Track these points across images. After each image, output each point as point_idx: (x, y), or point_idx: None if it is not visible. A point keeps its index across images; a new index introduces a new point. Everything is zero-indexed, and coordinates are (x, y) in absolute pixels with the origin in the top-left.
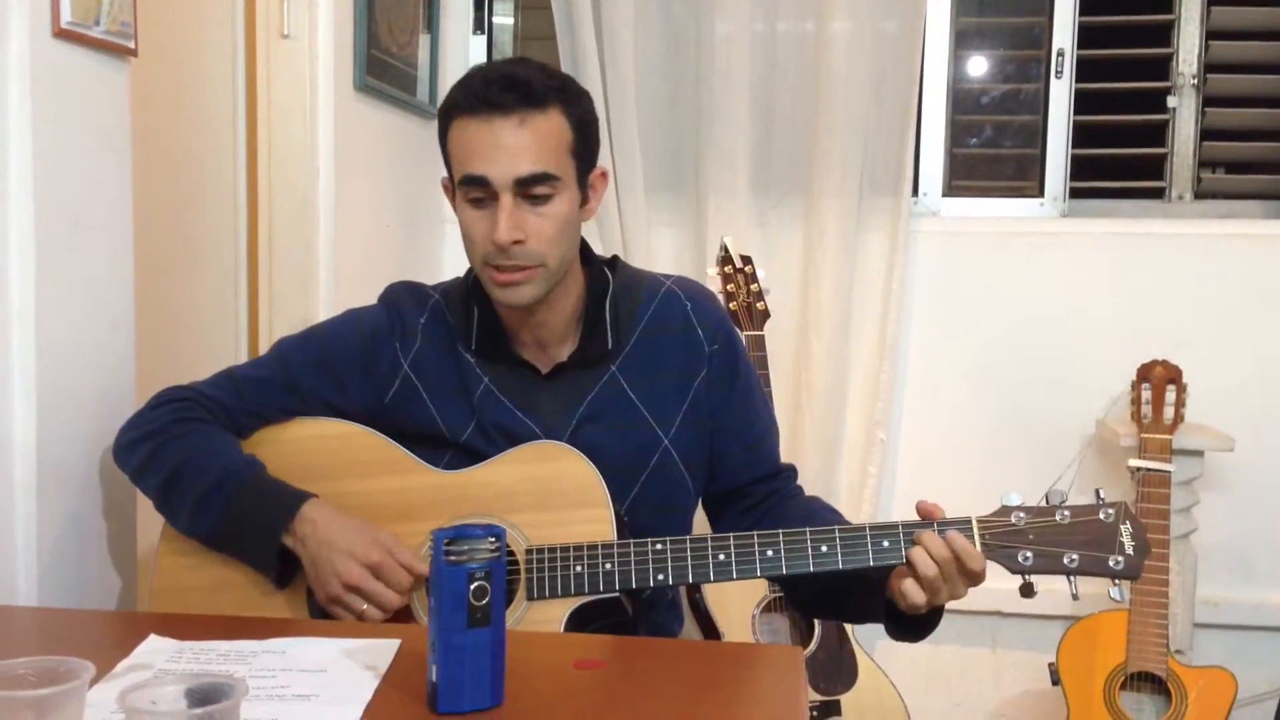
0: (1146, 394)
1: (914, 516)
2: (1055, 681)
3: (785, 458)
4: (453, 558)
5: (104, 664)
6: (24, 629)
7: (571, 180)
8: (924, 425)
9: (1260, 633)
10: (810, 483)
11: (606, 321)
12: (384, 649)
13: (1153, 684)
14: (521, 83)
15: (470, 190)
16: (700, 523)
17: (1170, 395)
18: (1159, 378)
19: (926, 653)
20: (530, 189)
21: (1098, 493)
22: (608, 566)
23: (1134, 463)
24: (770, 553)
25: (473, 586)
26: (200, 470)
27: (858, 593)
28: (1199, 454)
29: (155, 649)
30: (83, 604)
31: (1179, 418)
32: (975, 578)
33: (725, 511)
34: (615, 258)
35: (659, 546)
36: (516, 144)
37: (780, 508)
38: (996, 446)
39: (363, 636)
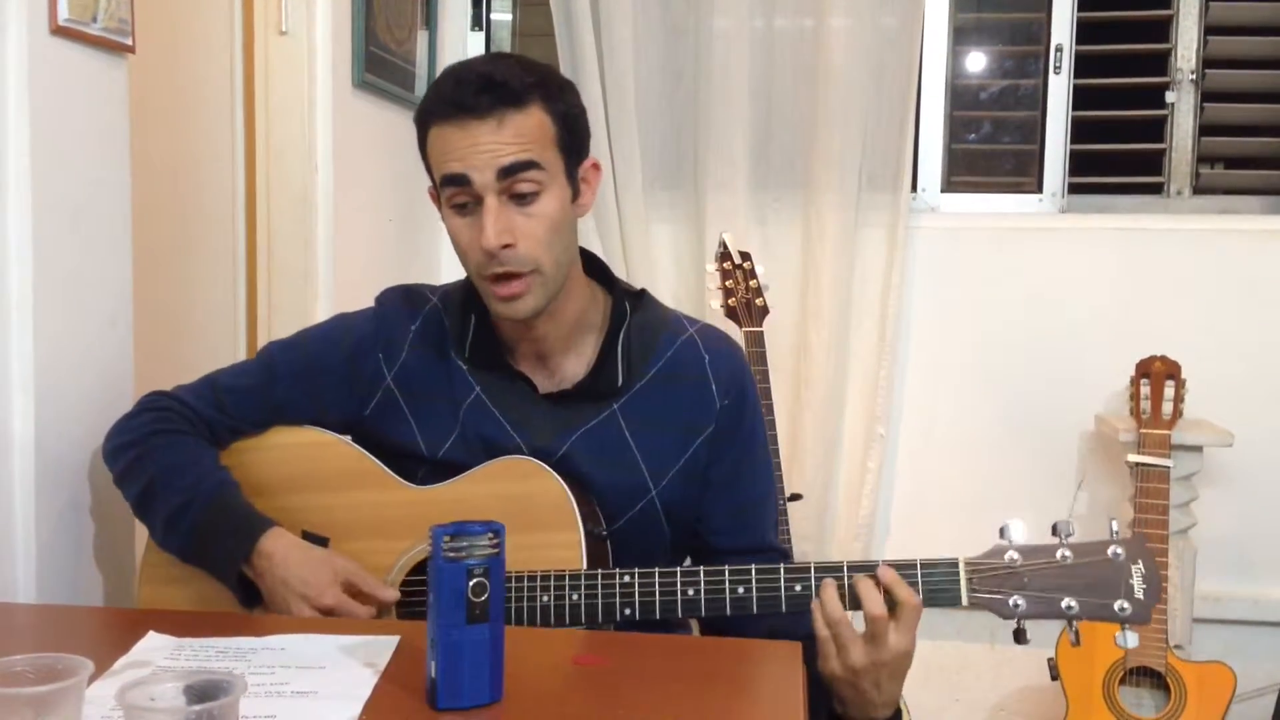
0: (1145, 389)
1: (915, 515)
2: (1054, 677)
3: (786, 454)
4: (451, 554)
5: (103, 661)
6: (22, 626)
7: (559, 174)
8: (923, 421)
9: (1259, 628)
10: (810, 479)
11: (618, 358)
12: (383, 645)
13: (1152, 679)
14: (498, 83)
15: (453, 194)
16: None
17: (1169, 390)
18: (1158, 373)
19: (926, 648)
20: (515, 184)
21: (1111, 525)
22: (574, 598)
23: (1133, 458)
24: (741, 590)
25: (471, 583)
26: (171, 488)
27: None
28: (1198, 449)
29: (154, 646)
30: (81, 601)
31: (1178, 413)
32: (908, 619)
33: None
34: (643, 291)
35: (627, 579)
36: (495, 141)
37: None
38: (995, 442)
39: (362, 633)
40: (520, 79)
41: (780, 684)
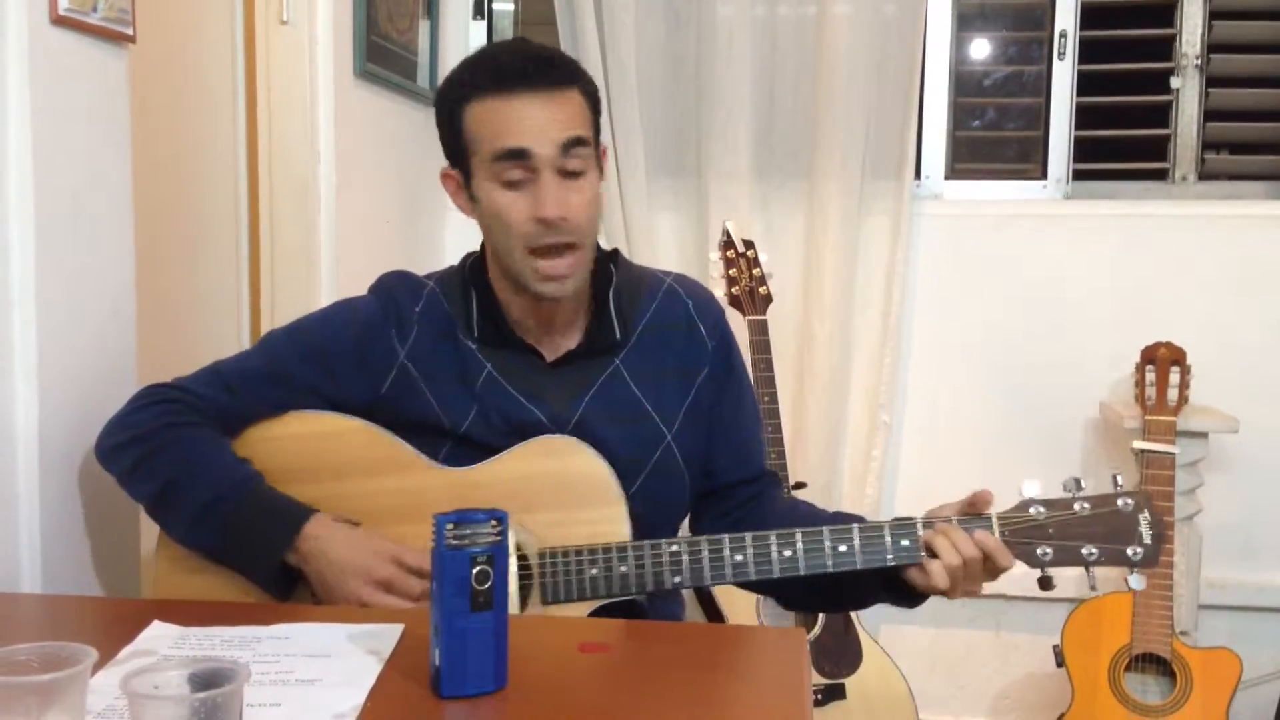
0: (1150, 376)
1: (919, 503)
2: (1060, 664)
3: (789, 442)
4: (454, 542)
5: (108, 650)
6: (27, 616)
7: (595, 156)
8: (927, 408)
9: (1265, 614)
10: (814, 467)
11: (611, 313)
12: (387, 634)
13: (1157, 665)
14: (545, 60)
15: (507, 169)
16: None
17: (1174, 377)
18: (1163, 359)
19: (931, 636)
20: (569, 160)
21: (1115, 479)
22: (623, 569)
23: (1138, 445)
24: (788, 553)
25: (475, 570)
26: (196, 483)
27: (853, 582)
28: (1203, 435)
29: (159, 635)
30: (86, 591)
31: (1183, 399)
32: (997, 575)
33: (706, 511)
34: (615, 251)
35: (674, 548)
36: (551, 115)
37: (761, 510)
38: (1000, 429)
39: (366, 622)
40: (562, 62)
41: (785, 669)
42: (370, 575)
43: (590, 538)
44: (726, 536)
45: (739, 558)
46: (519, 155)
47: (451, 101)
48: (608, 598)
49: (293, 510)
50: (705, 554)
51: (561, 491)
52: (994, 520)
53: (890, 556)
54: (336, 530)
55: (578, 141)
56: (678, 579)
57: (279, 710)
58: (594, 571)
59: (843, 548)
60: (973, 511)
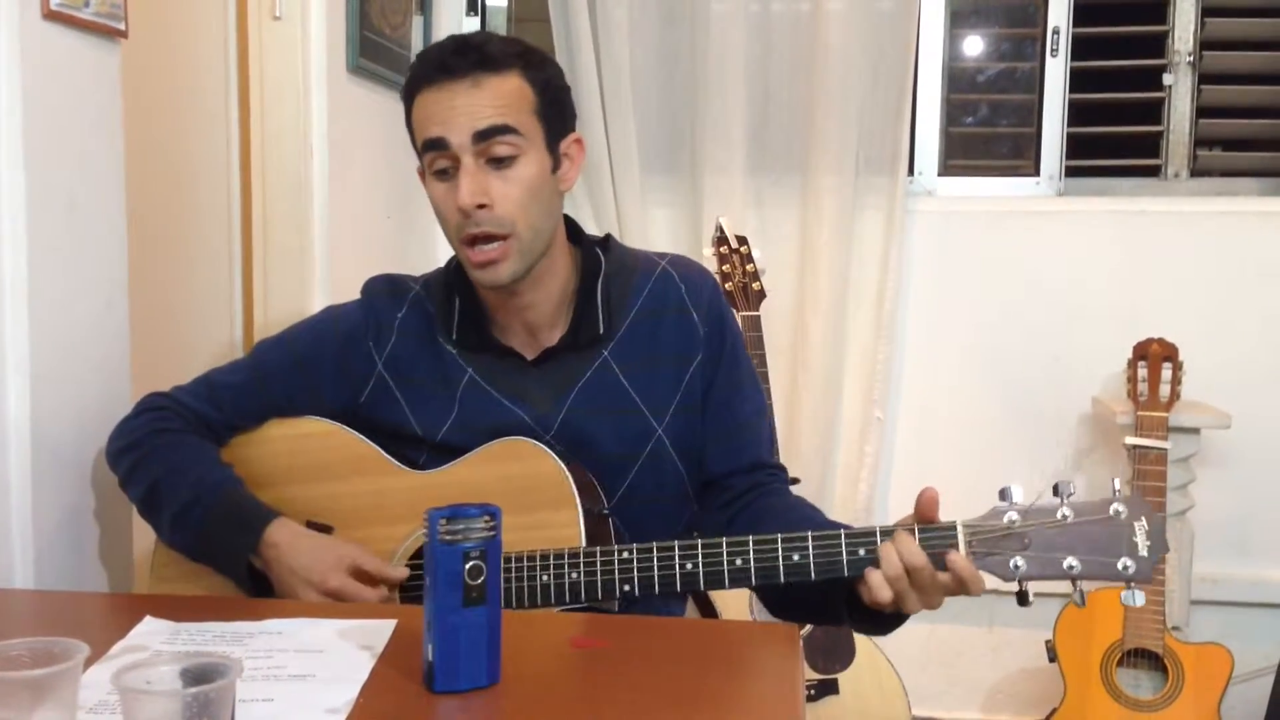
0: (1143, 371)
1: (912, 499)
2: (1052, 659)
3: (783, 438)
4: (448, 537)
5: (100, 645)
6: (20, 611)
7: (538, 141)
8: (921, 405)
9: (1256, 609)
10: (808, 463)
11: (598, 303)
12: (380, 629)
13: (1150, 660)
14: (475, 47)
15: (433, 159)
16: None
17: (1166, 373)
18: (1155, 355)
19: (924, 631)
20: (491, 147)
21: (1114, 483)
22: (574, 576)
23: (1130, 440)
24: (739, 561)
25: (468, 565)
26: (175, 487)
27: (817, 596)
28: (1195, 431)
29: (151, 630)
30: (79, 586)
31: (1175, 395)
32: (967, 593)
33: (705, 505)
34: (608, 237)
35: (625, 555)
36: (472, 103)
37: (758, 505)
38: (993, 425)
39: (359, 617)
40: (500, 46)
41: (778, 664)
42: (320, 585)
43: (546, 542)
44: (677, 544)
45: (689, 566)
46: (438, 145)
47: (404, 100)
48: (559, 605)
49: (259, 515)
50: (655, 562)
51: (518, 495)
52: (959, 529)
53: (845, 568)
54: (297, 537)
55: (499, 129)
56: (627, 587)
57: (271, 705)
58: (545, 578)
59: (796, 557)
60: (925, 518)
